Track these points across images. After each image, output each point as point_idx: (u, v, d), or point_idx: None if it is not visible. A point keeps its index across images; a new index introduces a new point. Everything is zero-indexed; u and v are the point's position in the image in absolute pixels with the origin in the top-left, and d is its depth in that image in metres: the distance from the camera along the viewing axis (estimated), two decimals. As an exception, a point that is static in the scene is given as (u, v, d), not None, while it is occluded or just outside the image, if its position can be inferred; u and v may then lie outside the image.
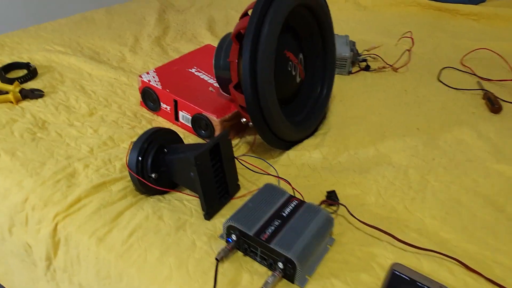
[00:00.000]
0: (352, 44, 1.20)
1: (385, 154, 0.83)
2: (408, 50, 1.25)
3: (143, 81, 0.92)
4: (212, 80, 0.95)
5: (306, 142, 0.85)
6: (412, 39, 1.29)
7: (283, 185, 0.74)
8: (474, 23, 1.58)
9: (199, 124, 0.86)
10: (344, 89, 1.07)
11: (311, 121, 0.87)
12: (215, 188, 0.66)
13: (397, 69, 1.17)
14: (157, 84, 0.90)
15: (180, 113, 0.88)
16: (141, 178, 0.67)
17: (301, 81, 0.89)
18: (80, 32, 1.30)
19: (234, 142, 0.86)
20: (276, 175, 0.76)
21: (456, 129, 0.91)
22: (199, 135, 0.87)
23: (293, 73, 0.84)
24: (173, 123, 0.91)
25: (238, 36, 0.74)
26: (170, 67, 0.98)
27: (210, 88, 0.91)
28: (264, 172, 0.77)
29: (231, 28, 1.43)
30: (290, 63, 0.82)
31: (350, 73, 1.15)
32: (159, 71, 0.96)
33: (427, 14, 1.65)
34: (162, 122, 0.92)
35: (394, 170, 0.77)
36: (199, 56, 1.05)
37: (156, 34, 1.32)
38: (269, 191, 0.65)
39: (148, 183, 0.68)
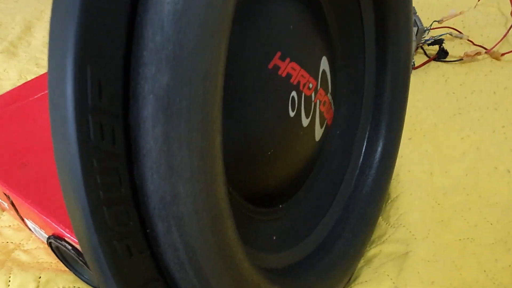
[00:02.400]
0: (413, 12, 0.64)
1: None
2: (515, 17, 0.69)
3: None
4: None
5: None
6: (508, -5, 0.73)
7: None
8: None
9: (66, 256, 0.32)
10: (411, 105, 0.53)
11: (339, 249, 0.30)
12: None
13: (502, 54, 0.62)
14: (-30, 148, 0.37)
15: (28, 223, 0.35)
16: None
17: (326, 134, 0.33)
18: None
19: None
20: None
21: None
22: (80, 278, 0.34)
23: (304, 119, 0.27)
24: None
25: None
26: (29, 92, 0.44)
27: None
28: None
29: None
30: (294, 93, 0.25)
31: (413, 68, 0.60)
32: (-5, 106, 0.42)
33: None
34: (4, 231, 0.39)
35: None
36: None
37: (65, 17, 0.77)
38: None
39: None
